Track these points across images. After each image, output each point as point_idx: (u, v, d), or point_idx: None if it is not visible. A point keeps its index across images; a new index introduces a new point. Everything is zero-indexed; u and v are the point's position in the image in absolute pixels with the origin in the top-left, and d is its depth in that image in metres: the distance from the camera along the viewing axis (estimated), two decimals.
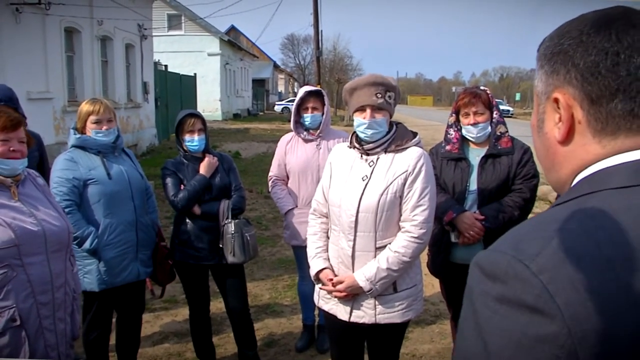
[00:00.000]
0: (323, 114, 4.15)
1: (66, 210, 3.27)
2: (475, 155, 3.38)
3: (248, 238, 3.70)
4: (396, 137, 2.78)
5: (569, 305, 0.70)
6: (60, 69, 11.65)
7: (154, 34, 18.51)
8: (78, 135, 3.45)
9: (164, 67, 20.43)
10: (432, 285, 5.23)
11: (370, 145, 2.77)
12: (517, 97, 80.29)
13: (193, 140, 3.70)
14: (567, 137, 0.88)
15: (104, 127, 3.45)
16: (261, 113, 46.20)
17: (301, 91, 4.22)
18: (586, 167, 0.86)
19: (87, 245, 3.33)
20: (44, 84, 10.85)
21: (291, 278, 5.91)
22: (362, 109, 2.73)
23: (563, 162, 0.91)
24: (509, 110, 43.14)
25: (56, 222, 2.58)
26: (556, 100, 0.88)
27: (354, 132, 2.85)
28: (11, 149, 2.48)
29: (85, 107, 3.46)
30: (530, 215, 3.49)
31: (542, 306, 0.71)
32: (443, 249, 3.42)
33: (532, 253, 0.75)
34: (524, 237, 0.79)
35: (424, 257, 3.45)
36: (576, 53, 0.85)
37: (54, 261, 2.54)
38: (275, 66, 62.52)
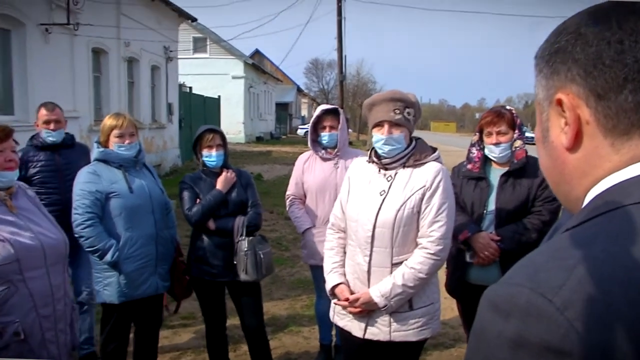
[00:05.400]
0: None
1: (88, 222, 3.33)
2: (497, 175, 3.33)
3: (261, 256, 3.66)
4: (415, 152, 2.77)
5: (600, 345, 0.61)
6: (87, 89, 11.89)
7: (179, 56, 18.83)
8: (101, 149, 3.51)
9: (188, 89, 20.72)
10: (451, 309, 5.16)
11: (389, 160, 2.76)
12: None
13: (211, 156, 3.72)
14: (576, 142, 0.78)
15: (127, 141, 3.51)
16: (284, 136, 46.50)
17: (318, 109, 4.23)
18: (600, 180, 0.77)
19: (108, 257, 3.37)
20: (71, 103, 11.05)
21: (310, 298, 5.88)
22: (380, 124, 2.73)
23: (574, 172, 0.81)
24: (532, 138, 42.52)
25: (52, 235, 2.58)
26: (559, 103, 0.79)
27: (373, 146, 2.85)
28: (7, 159, 2.50)
29: (108, 121, 3.53)
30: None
31: (569, 348, 0.61)
32: (459, 268, 3.38)
33: (554, 285, 0.65)
34: (542, 266, 0.68)
35: (443, 277, 3.42)
36: (575, 47, 0.77)
37: (54, 274, 2.54)
38: (299, 90, 63.00)
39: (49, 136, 4.25)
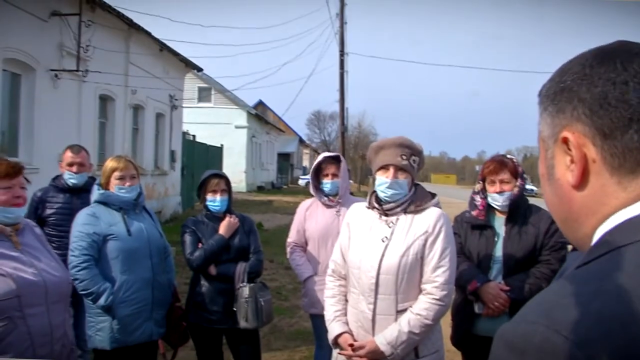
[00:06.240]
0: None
1: (83, 264, 3.27)
2: (501, 223, 3.32)
3: (262, 303, 3.61)
4: (415, 198, 2.77)
5: None
6: (93, 135, 11.96)
7: (184, 104, 19.04)
8: (102, 191, 3.49)
9: (192, 137, 20.88)
10: None
11: (390, 205, 2.75)
12: None
13: (215, 200, 3.71)
14: (582, 180, 0.79)
15: (127, 183, 3.49)
16: (285, 186, 46.58)
17: (320, 157, 4.21)
18: (608, 217, 0.77)
19: (102, 301, 3.28)
20: None
21: (309, 350, 5.73)
22: (385, 167, 2.73)
23: (581, 210, 0.80)
24: (532, 190, 42.48)
25: (56, 273, 2.57)
26: (565, 141, 0.80)
27: (373, 191, 2.83)
28: (15, 195, 2.50)
29: (110, 163, 3.54)
30: None
31: None
32: (466, 320, 3.31)
33: (570, 321, 0.63)
34: (556, 303, 0.68)
35: (446, 326, 3.34)
36: (581, 87, 0.78)
37: (54, 312, 2.51)
38: (301, 141, 63.53)
39: (71, 178, 4.25)
